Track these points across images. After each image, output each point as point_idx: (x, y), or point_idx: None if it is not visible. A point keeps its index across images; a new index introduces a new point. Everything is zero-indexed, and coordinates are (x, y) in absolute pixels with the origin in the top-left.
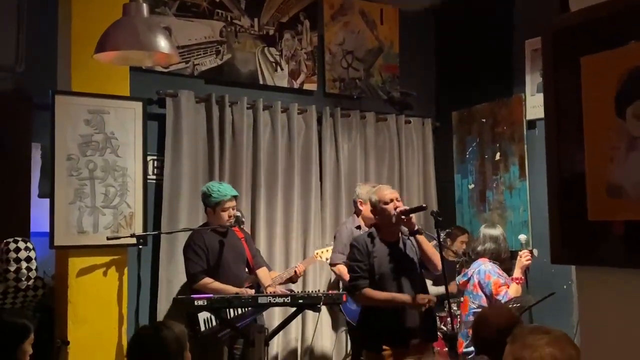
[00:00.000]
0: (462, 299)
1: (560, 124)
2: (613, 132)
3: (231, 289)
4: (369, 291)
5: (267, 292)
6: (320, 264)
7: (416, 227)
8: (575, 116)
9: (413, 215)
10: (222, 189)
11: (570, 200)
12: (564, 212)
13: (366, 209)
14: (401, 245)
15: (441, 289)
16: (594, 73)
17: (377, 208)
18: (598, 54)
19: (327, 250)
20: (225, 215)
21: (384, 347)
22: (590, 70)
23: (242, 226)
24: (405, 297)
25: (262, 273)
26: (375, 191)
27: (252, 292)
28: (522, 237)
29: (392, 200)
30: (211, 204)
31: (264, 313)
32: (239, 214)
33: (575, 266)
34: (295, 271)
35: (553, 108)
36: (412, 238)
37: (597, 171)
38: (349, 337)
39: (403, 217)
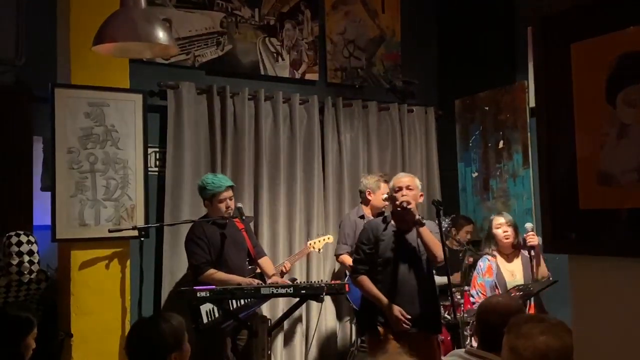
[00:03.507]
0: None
1: (551, 112)
2: (603, 120)
3: (236, 279)
4: (364, 280)
5: (270, 282)
6: (324, 254)
7: (416, 218)
8: (566, 104)
9: (413, 206)
10: (217, 180)
11: (561, 189)
12: (555, 201)
13: (374, 199)
14: (412, 235)
15: (444, 279)
16: (585, 60)
17: (390, 195)
18: (588, 40)
19: (320, 241)
20: (222, 206)
21: (381, 330)
22: (580, 57)
23: (243, 218)
24: (389, 306)
25: (265, 262)
26: (393, 178)
27: (257, 281)
28: (529, 225)
29: (401, 189)
30: (207, 196)
31: (266, 303)
32: (240, 205)
33: (567, 255)
34: (282, 269)
35: (544, 96)
36: (427, 225)
37: (587, 159)
38: (354, 325)
39: (399, 208)
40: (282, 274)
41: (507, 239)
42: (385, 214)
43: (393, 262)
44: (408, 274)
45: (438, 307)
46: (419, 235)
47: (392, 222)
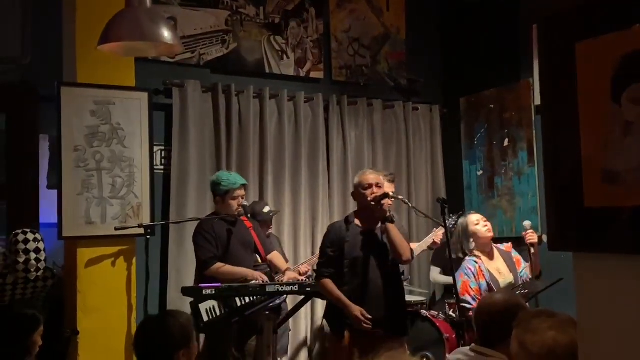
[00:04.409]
0: None
1: (556, 111)
2: (608, 118)
3: (244, 271)
4: (327, 282)
5: (281, 277)
6: None
7: (388, 214)
8: (571, 102)
9: (385, 202)
10: (232, 177)
11: (567, 187)
12: (560, 199)
13: None
14: (378, 233)
15: (450, 279)
16: (590, 59)
17: (357, 192)
18: (593, 39)
19: None
20: (234, 203)
21: (347, 334)
22: (585, 56)
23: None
24: (350, 307)
25: (275, 258)
26: (359, 174)
27: (264, 277)
28: (527, 223)
29: (370, 186)
30: (221, 193)
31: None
32: (246, 203)
33: (572, 253)
34: (299, 271)
35: (549, 95)
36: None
37: (592, 157)
38: None
39: (373, 203)
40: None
41: (489, 231)
42: (348, 215)
43: (359, 263)
44: (374, 274)
45: (405, 309)
46: (387, 232)
47: (355, 222)
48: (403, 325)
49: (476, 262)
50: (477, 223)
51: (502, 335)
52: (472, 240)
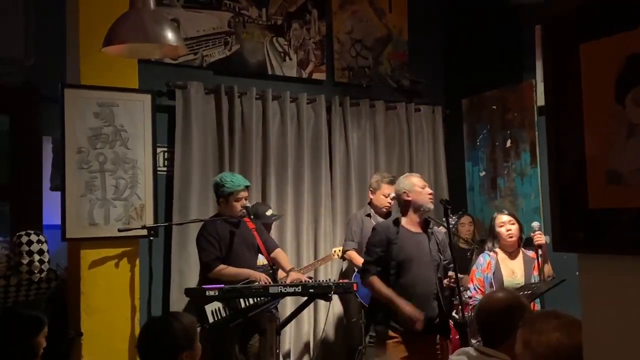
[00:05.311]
0: None
1: (560, 112)
2: (613, 119)
3: (246, 271)
4: (375, 280)
5: (285, 277)
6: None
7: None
8: (575, 104)
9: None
10: (235, 179)
11: (571, 188)
12: (564, 200)
13: (375, 198)
14: (425, 238)
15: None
16: (594, 60)
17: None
18: (598, 40)
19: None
20: (238, 205)
21: (391, 333)
22: (590, 57)
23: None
24: (405, 306)
25: (279, 255)
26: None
27: (268, 278)
28: (535, 224)
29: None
30: (224, 194)
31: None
32: (248, 204)
33: (577, 254)
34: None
35: (553, 95)
36: (436, 231)
37: (596, 158)
38: (362, 323)
39: None
40: None
41: (510, 237)
42: (397, 216)
43: (407, 265)
44: (421, 277)
45: (449, 311)
46: None
47: (403, 224)
48: (447, 327)
49: (489, 256)
50: (502, 225)
51: (504, 334)
52: (496, 240)
